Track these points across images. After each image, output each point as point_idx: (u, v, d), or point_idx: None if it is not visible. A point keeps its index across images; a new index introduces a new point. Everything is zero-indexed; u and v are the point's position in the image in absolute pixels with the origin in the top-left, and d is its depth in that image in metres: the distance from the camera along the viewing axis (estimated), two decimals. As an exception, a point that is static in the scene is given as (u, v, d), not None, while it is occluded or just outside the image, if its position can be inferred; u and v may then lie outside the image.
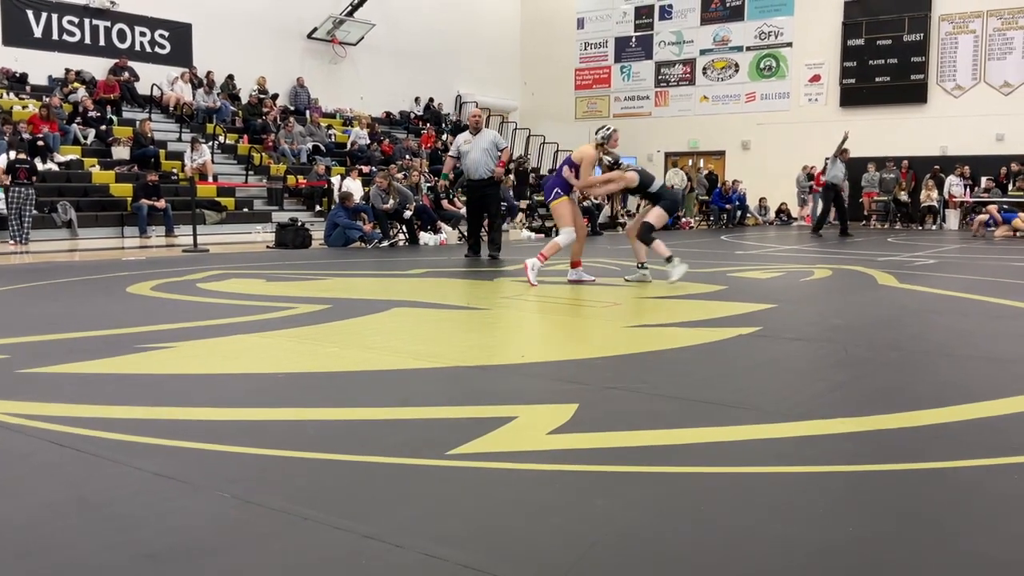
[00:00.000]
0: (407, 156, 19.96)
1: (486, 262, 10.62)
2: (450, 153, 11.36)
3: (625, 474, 2.60)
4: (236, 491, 2.42)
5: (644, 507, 2.34)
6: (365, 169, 18.66)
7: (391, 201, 13.98)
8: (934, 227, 20.67)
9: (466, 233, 11.82)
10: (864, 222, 22.10)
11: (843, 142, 17.12)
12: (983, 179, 20.73)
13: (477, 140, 11.08)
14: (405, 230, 14.32)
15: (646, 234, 7.89)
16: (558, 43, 27.92)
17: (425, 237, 14.34)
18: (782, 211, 23.61)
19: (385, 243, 13.66)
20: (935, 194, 20.86)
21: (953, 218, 20.70)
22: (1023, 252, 12.89)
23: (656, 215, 7.97)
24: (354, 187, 15.35)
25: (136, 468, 2.62)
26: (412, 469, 2.63)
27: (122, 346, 4.64)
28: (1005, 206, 18.01)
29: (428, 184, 16.75)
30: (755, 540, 2.12)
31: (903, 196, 21.55)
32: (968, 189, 20.73)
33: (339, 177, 17.19)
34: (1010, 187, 20.08)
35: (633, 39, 26.84)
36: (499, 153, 11.10)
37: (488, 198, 11.20)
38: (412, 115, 24.56)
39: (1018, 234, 16.69)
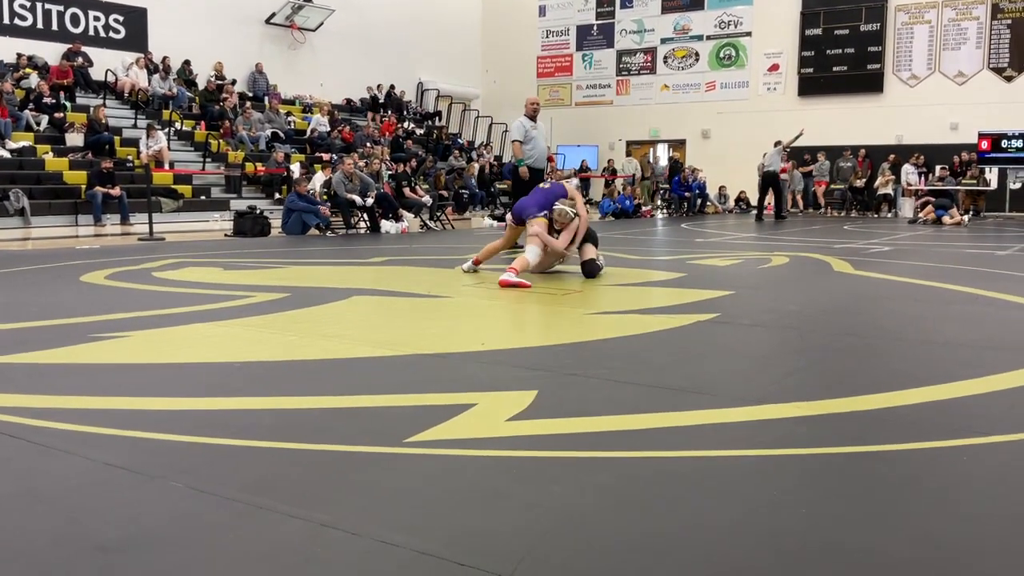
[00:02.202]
0: (368, 144, 19.81)
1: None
2: (517, 138, 10.71)
3: (583, 459, 2.62)
4: (190, 481, 2.39)
5: (602, 492, 2.35)
6: (325, 156, 18.50)
7: (355, 192, 13.87)
8: (889, 215, 21.00)
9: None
10: (820, 210, 22.38)
11: (796, 139, 18.82)
12: (937, 168, 21.07)
13: (539, 128, 10.84)
14: (366, 218, 14.23)
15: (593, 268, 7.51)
16: (520, 30, 27.84)
17: (386, 225, 14.26)
18: (741, 199, 23.82)
19: (345, 231, 13.58)
20: (892, 182, 21.22)
21: (908, 206, 21.03)
22: (973, 240, 13.14)
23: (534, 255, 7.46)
24: (318, 179, 15.19)
25: (88, 459, 2.58)
26: (370, 457, 2.62)
27: (75, 335, 4.56)
28: (937, 199, 18.37)
29: (389, 172, 16.64)
30: (710, 523, 2.14)
31: (859, 184, 21.86)
32: (923, 177, 21.07)
33: (299, 165, 17.01)
34: (963, 176, 20.45)
35: (594, 27, 26.85)
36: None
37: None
38: (373, 100, 24.37)
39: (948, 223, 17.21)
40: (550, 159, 10.67)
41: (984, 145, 19.99)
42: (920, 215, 18.19)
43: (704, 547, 2.01)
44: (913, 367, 4.05)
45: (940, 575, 1.89)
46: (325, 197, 14.25)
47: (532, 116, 10.84)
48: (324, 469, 2.52)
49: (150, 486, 2.37)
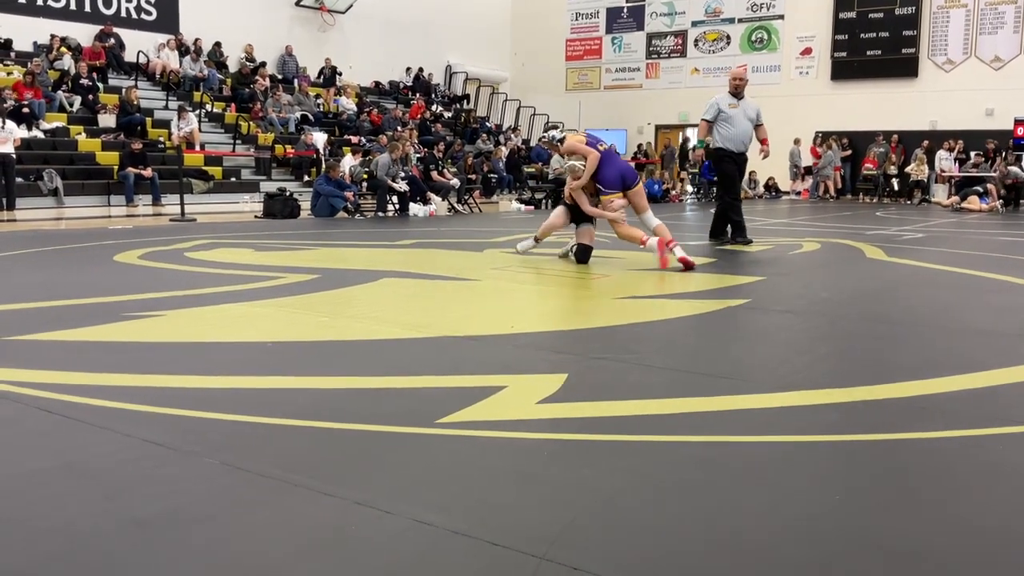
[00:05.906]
0: (397, 127, 19.82)
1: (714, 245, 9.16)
2: (706, 116, 9.17)
3: (613, 443, 2.62)
4: (225, 458, 2.42)
5: (631, 476, 2.35)
6: (354, 139, 18.53)
7: (399, 176, 13.91)
8: (923, 202, 20.71)
9: (722, 215, 9.41)
10: (836, 197, 22.15)
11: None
12: (972, 154, 20.74)
13: (743, 106, 9.09)
14: (395, 201, 14.27)
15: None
16: (549, 13, 27.67)
17: (415, 208, 14.30)
18: (771, 185, 23.60)
19: (374, 213, 13.63)
20: (926, 168, 20.91)
21: (942, 192, 20.74)
22: (1007, 227, 12.95)
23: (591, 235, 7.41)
24: (346, 162, 15.24)
25: (124, 435, 2.61)
26: (402, 437, 2.63)
27: (110, 314, 4.62)
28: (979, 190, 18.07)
29: (418, 155, 16.66)
30: (741, 508, 2.13)
31: (893, 170, 21.58)
32: (958, 164, 20.75)
33: (323, 138, 17.06)
34: (998, 161, 20.12)
35: (624, 10, 26.63)
36: (759, 126, 9.28)
37: (742, 176, 9.66)
38: (402, 85, 24.37)
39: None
40: (763, 142, 9.22)
41: (1020, 131, 19.65)
42: (961, 204, 17.84)
43: (735, 532, 2.00)
44: (947, 355, 4.00)
45: (974, 565, 1.87)
46: (365, 176, 14.30)
47: (735, 92, 9.16)
48: (357, 448, 2.54)
49: (185, 462, 2.40)
